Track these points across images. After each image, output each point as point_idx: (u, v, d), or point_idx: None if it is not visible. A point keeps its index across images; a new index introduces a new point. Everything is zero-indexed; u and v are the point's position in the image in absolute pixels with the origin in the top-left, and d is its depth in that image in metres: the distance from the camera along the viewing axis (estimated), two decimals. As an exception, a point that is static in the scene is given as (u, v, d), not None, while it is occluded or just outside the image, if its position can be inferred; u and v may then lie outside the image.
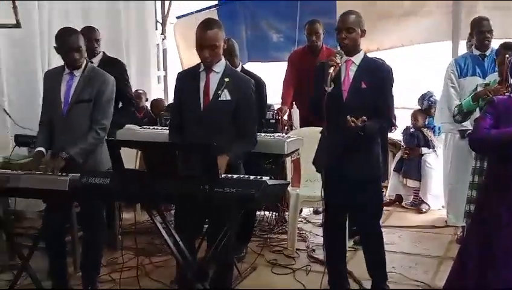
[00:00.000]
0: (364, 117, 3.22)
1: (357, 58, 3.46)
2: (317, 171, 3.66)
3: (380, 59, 3.73)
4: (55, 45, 3.61)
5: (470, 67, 4.80)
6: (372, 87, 3.41)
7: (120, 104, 5.04)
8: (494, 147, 3.01)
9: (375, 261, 3.67)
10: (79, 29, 4.77)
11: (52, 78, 3.68)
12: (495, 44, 4.54)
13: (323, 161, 3.49)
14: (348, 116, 3.22)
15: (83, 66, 3.60)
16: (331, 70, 3.30)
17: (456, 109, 4.29)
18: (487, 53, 4.75)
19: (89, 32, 4.77)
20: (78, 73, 3.58)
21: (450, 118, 4.86)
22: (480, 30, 4.74)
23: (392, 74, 3.50)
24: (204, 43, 3.22)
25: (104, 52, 5.02)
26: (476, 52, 4.81)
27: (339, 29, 3.42)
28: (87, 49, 4.72)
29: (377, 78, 3.44)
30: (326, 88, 3.26)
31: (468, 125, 4.65)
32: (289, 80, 5.74)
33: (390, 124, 3.68)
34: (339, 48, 3.58)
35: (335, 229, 3.68)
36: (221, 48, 3.31)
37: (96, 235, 3.72)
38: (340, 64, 3.38)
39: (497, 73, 4.38)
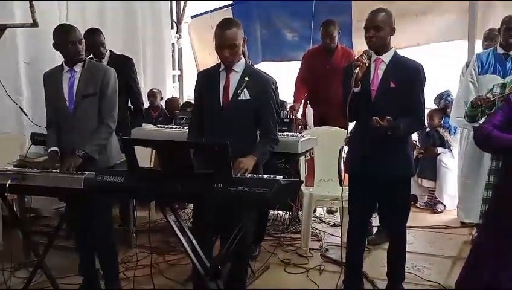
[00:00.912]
0: (389, 117, 3.18)
1: (387, 57, 3.38)
2: (346, 172, 3.64)
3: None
4: (53, 42, 3.61)
5: (492, 65, 4.71)
6: (402, 86, 3.33)
7: (129, 103, 5.10)
8: (494, 148, 3.01)
9: (398, 261, 3.65)
10: (94, 29, 4.89)
11: (52, 78, 3.69)
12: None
13: (352, 161, 3.46)
14: (374, 117, 3.18)
15: (83, 61, 3.63)
16: (357, 70, 3.25)
17: (465, 110, 4.21)
18: (511, 53, 4.68)
19: (93, 37, 4.79)
20: (78, 69, 3.60)
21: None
22: (508, 27, 4.63)
23: (423, 72, 3.40)
24: (224, 43, 3.22)
25: (111, 51, 5.06)
26: (500, 51, 4.71)
27: (367, 28, 3.34)
28: (95, 54, 4.79)
29: (407, 77, 3.35)
30: (353, 88, 3.22)
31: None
32: (302, 78, 5.75)
33: (421, 124, 3.58)
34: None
35: (360, 230, 3.64)
36: (241, 47, 3.30)
37: (105, 237, 3.74)
38: (366, 64, 3.31)
39: None
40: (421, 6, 6.32)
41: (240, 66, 3.34)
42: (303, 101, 5.78)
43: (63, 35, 3.56)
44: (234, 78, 3.32)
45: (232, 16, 6.81)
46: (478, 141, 3.10)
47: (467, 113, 4.15)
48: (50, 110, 3.74)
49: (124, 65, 4.79)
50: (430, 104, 6.19)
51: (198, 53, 7.98)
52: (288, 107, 5.62)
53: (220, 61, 3.35)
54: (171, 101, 6.75)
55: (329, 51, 5.54)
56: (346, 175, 3.74)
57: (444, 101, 6.04)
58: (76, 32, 3.57)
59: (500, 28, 4.72)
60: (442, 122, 6.06)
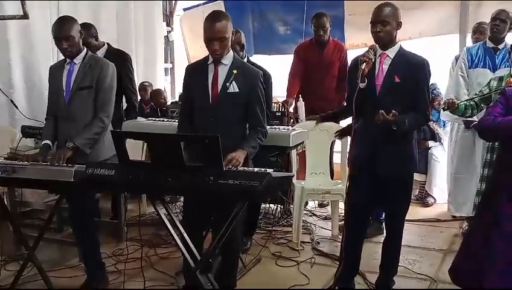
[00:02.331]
0: (394, 111, 3.15)
1: (392, 52, 3.35)
2: (348, 166, 3.61)
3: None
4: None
5: (481, 58, 4.74)
6: (406, 81, 3.30)
7: (124, 98, 5.08)
8: (499, 134, 3.02)
9: (393, 255, 3.65)
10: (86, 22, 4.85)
11: (55, 70, 3.72)
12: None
13: (356, 156, 3.44)
14: (380, 111, 3.15)
15: (83, 54, 3.62)
16: (363, 66, 3.22)
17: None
18: (500, 46, 4.70)
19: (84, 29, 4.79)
20: (78, 61, 3.61)
21: None
22: (492, 17, 4.69)
23: (429, 67, 3.38)
24: (212, 36, 3.21)
25: (109, 44, 5.05)
26: (490, 44, 4.75)
27: (373, 23, 3.31)
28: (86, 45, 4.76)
29: (411, 72, 3.32)
30: (359, 84, 3.19)
31: (474, 117, 4.64)
32: (295, 72, 5.74)
33: (426, 120, 3.55)
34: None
35: (359, 225, 3.60)
36: (230, 40, 3.30)
37: (89, 231, 3.73)
38: (373, 60, 3.29)
39: (507, 68, 4.36)
40: (413, 1, 6.32)
41: (228, 58, 3.33)
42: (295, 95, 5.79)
43: (52, 32, 3.56)
44: (223, 71, 3.31)
45: (224, 9, 6.79)
46: (484, 132, 3.11)
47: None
48: (50, 102, 3.76)
49: (120, 61, 4.76)
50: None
51: (190, 46, 7.95)
52: (279, 102, 5.61)
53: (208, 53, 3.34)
54: (156, 93, 6.67)
55: (321, 44, 5.55)
56: (343, 170, 3.73)
57: (430, 94, 6.05)
58: (64, 27, 3.53)
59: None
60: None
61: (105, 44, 5.02)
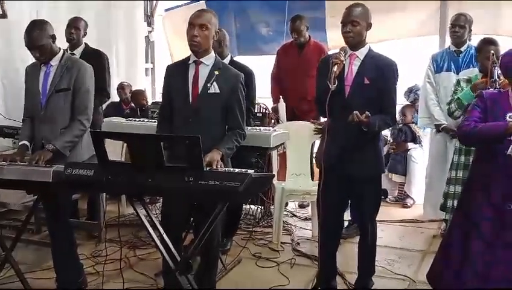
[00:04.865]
0: (368, 112, 3.17)
1: (361, 53, 3.36)
2: (317, 166, 3.62)
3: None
4: None
5: (445, 63, 4.87)
6: (375, 82, 3.32)
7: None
8: (478, 141, 3.05)
9: (368, 255, 3.66)
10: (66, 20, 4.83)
11: (31, 71, 3.68)
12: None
13: (325, 156, 3.42)
14: (355, 112, 3.16)
15: (60, 56, 3.59)
16: (335, 68, 3.22)
17: (453, 105, 4.20)
18: (462, 49, 4.82)
19: (74, 22, 4.95)
20: (54, 63, 3.58)
21: (427, 113, 4.94)
22: (451, 23, 4.84)
23: (397, 69, 3.40)
24: (195, 21, 3.20)
25: (86, 44, 5.04)
26: (452, 48, 4.88)
27: (343, 23, 3.32)
28: (70, 39, 4.79)
29: (380, 73, 3.33)
30: (330, 86, 3.18)
31: (442, 119, 4.72)
32: (276, 75, 5.82)
33: (394, 121, 3.57)
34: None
35: (333, 225, 3.61)
36: (211, 35, 3.27)
37: (63, 234, 3.66)
38: (344, 62, 3.29)
39: (470, 69, 4.46)
40: (394, 1, 6.36)
41: (209, 59, 3.32)
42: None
43: (24, 37, 3.51)
44: (203, 71, 3.30)
45: (205, 10, 6.76)
46: (464, 138, 3.14)
47: (461, 104, 4.11)
48: (27, 103, 3.72)
49: (96, 61, 4.74)
50: (399, 98, 6.25)
51: (173, 46, 7.91)
52: (261, 104, 5.62)
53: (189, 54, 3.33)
54: (137, 93, 6.63)
55: (300, 45, 5.58)
56: (317, 170, 3.74)
57: (413, 94, 6.15)
58: (31, 39, 3.47)
59: None
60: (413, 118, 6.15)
61: (84, 44, 5.01)
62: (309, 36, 5.61)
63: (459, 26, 4.76)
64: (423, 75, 5.06)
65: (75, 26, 4.99)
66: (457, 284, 3.00)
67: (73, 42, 4.98)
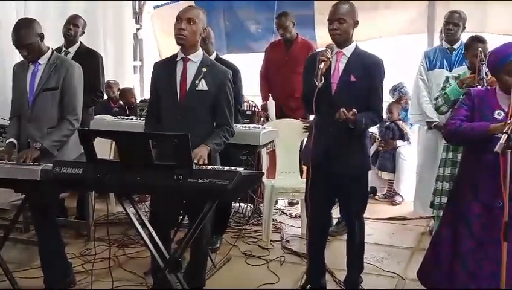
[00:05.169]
0: (354, 110, 3.17)
1: (348, 50, 3.37)
2: (304, 164, 3.62)
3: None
4: None
5: (438, 60, 4.89)
6: (362, 80, 3.33)
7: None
8: (463, 140, 3.07)
9: (357, 252, 3.66)
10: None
11: (19, 69, 3.66)
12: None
13: (312, 154, 3.41)
14: (342, 109, 3.16)
15: (48, 54, 3.57)
16: (322, 65, 3.22)
17: (439, 100, 4.24)
18: (455, 46, 4.83)
19: (73, 19, 4.96)
20: (43, 61, 3.56)
21: (418, 110, 4.96)
22: (445, 21, 4.84)
23: (383, 67, 3.41)
24: (182, 15, 3.20)
25: (81, 42, 5.02)
26: (446, 46, 4.90)
27: (330, 20, 3.32)
28: (67, 35, 4.77)
29: (367, 71, 3.34)
30: (317, 84, 3.18)
31: (434, 117, 4.74)
32: (264, 73, 5.84)
33: (380, 119, 3.57)
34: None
35: (320, 222, 3.62)
36: (199, 31, 3.25)
37: (50, 236, 3.64)
38: (331, 59, 3.30)
39: (463, 67, 4.48)
40: (383, 0, 6.38)
41: (197, 56, 3.31)
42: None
43: (12, 36, 3.49)
44: (191, 68, 3.30)
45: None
46: (449, 137, 3.15)
47: (448, 99, 4.15)
48: (14, 101, 3.70)
49: (90, 61, 4.72)
50: (386, 96, 6.26)
51: (161, 44, 7.89)
52: (249, 101, 5.62)
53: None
54: (125, 91, 6.60)
55: (287, 41, 5.60)
56: (306, 167, 3.74)
57: (398, 92, 6.18)
58: (18, 38, 3.46)
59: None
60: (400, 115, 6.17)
61: (79, 42, 5.00)
62: (297, 33, 5.63)
63: (453, 24, 4.76)
64: (414, 72, 5.07)
65: (74, 23, 4.97)
66: (448, 282, 3.02)
67: (69, 39, 4.95)
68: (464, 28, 4.82)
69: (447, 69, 4.78)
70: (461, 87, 4.03)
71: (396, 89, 6.17)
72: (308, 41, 5.80)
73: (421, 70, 4.96)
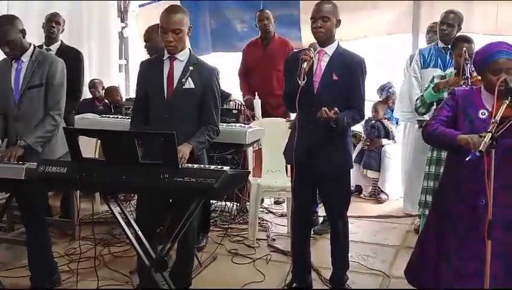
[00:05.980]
0: (336, 108, 3.19)
1: (330, 49, 3.38)
2: (287, 163, 3.64)
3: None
4: None
5: (433, 58, 4.90)
6: (344, 79, 3.34)
7: None
8: (437, 144, 3.09)
9: (341, 250, 3.67)
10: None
11: (2, 68, 3.62)
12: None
13: (295, 153, 3.41)
14: (323, 108, 3.17)
15: (30, 51, 3.55)
16: (305, 65, 3.23)
17: (418, 101, 4.29)
18: (450, 46, 4.83)
19: (54, 16, 4.94)
20: (25, 59, 3.54)
21: (410, 108, 4.98)
22: (440, 21, 4.86)
23: (365, 65, 3.42)
24: (168, 27, 3.19)
25: (62, 41, 5.00)
26: (441, 45, 4.91)
27: (314, 18, 3.33)
28: (51, 32, 4.74)
29: (349, 69, 3.36)
30: (300, 82, 3.19)
31: (426, 116, 4.75)
32: (242, 71, 5.91)
33: (362, 117, 3.58)
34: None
35: (304, 220, 3.63)
36: (186, 34, 3.27)
37: (38, 235, 3.62)
38: (313, 58, 3.31)
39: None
40: (367, 0, 6.41)
41: (184, 54, 3.31)
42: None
43: None
44: (178, 67, 3.30)
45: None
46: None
47: (424, 102, 4.20)
48: None
49: (71, 59, 4.69)
50: (373, 95, 6.31)
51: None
52: (235, 100, 5.62)
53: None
54: (111, 89, 6.55)
55: (265, 39, 5.70)
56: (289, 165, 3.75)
57: (385, 92, 6.19)
58: (3, 32, 3.41)
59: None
60: (386, 114, 6.20)
61: (60, 40, 4.97)
62: (274, 32, 5.69)
63: (447, 25, 4.78)
64: (400, 72, 5.09)
65: (55, 21, 4.97)
66: (434, 281, 3.03)
67: (52, 37, 4.95)
68: (460, 28, 4.82)
69: (441, 68, 4.79)
70: (436, 91, 4.07)
71: (384, 89, 6.19)
72: (284, 39, 5.85)
73: (415, 68, 4.97)
